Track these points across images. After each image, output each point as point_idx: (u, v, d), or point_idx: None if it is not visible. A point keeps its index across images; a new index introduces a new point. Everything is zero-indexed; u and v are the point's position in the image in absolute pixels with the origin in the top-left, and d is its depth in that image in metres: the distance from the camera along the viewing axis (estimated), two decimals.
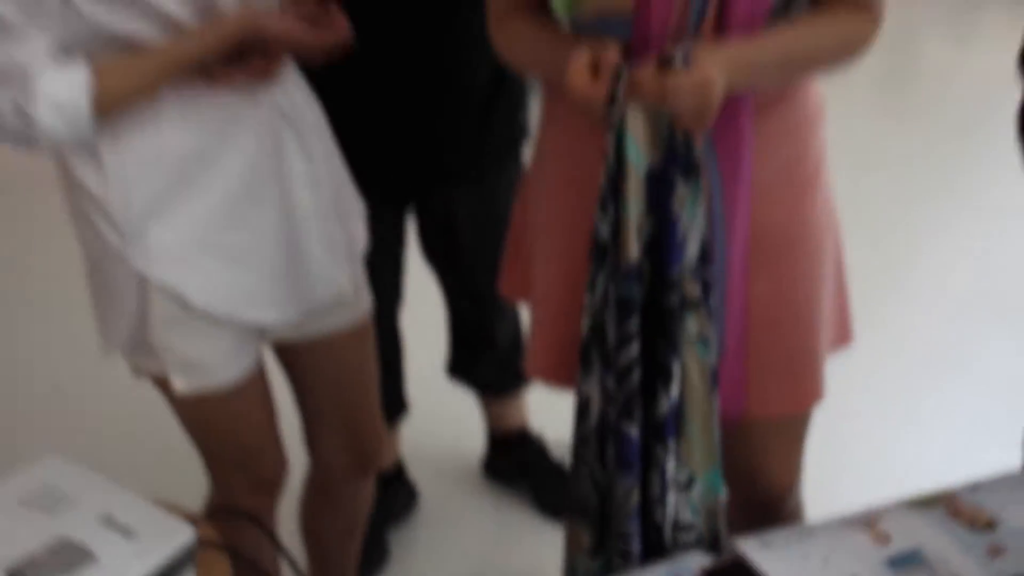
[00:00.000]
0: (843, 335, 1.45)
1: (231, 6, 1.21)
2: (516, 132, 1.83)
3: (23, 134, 1.16)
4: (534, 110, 1.66)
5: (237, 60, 1.24)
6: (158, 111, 1.22)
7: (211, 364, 1.33)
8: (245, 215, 1.30)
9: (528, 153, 1.73)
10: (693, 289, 1.21)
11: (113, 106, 1.18)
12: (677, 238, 1.19)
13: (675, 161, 1.16)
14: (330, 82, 1.46)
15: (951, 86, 4.28)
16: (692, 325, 1.22)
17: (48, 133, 1.15)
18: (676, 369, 1.23)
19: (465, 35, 1.63)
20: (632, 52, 1.16)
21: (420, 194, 1.84)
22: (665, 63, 1.10)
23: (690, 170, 1.15)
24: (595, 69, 1.13)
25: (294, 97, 1.35)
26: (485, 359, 2.10)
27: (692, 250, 1.19)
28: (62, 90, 1.14)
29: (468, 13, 1.55)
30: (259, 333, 1.40)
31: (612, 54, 1.13)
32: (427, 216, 1.89)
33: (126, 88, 1.18)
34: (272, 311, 1.36)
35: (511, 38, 1.32)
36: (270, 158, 1.31)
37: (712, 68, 1.09)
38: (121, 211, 1.24)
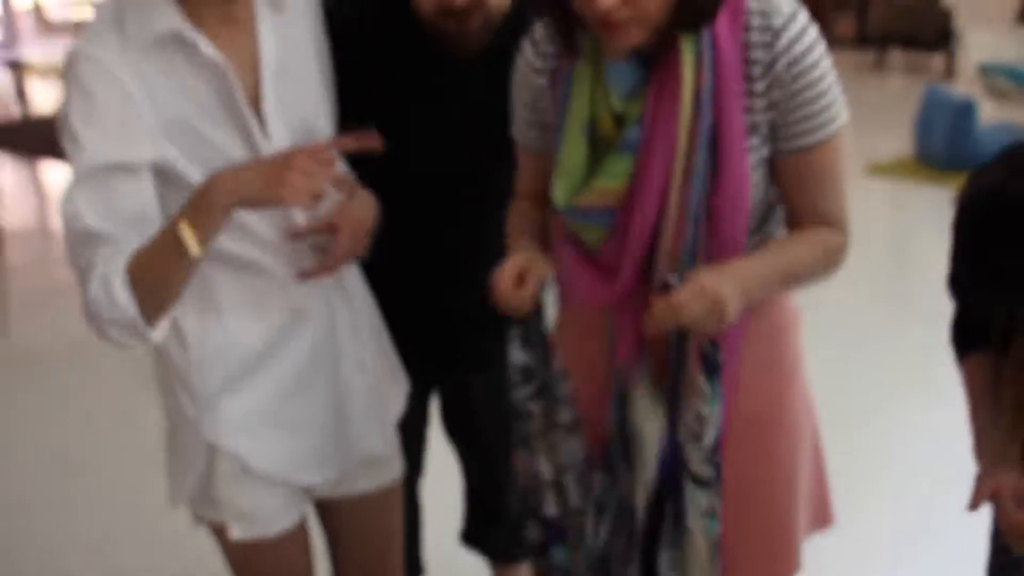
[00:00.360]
0: (824, 517, 1.55)
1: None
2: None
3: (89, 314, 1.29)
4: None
5: (320, 251, 1.43)
6: (236, 309, 1.42)
7: (265, 516, 1.50)
8: (302, 392, 1.50)
9: None
10: (706, 471, 1.31)
11: (145, 279, 1.26)
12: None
13: (703, 364, 1.26)
14: (369, 280, 1.65)
15: (938, 280, 4.49)
16: (703, 500, 1.32)
17: (95, 306, 1.27)
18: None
19: (486, 243, 1.74)
20: (614, 238, 1.32)
21: (441, 379, 1.99)
22: (665, 289, 1.25)
23: (713, 371, 1.26)
24: (521, 278, 1.33)
25: (350, 284, 1.57)
26: (497, 529, 2.19)
27: (709, 438, 1.29)
28: (108, 265, 1.27)
29: (491, 222, 1.70)
30: (305, 491, 1.58)
31: (541, 269, 1.33)
32: (448, 398, 2.04)
33: (153, 264, 1.27)
34: (319, 473, 1.54)
35: (509, 219, 1.53)
36: (327, 342, 1.51)
37: (706, 276, 1.22)
38: (199, 386, 1.44)
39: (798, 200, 1.35)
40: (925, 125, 6.30)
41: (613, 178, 1.30)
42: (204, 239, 1.26)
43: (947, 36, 9.46)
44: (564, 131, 1.34)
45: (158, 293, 1.29)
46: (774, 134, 1.30)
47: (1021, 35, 8.87)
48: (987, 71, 7.42)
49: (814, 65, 1.27)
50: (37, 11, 12.69)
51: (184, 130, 1.32)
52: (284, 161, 1.25)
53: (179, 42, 1.31)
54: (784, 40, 1.25)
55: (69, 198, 1.29)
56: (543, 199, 1.45)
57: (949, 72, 9.54)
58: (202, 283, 1.41)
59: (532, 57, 1.42)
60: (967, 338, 1.47)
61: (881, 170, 6.32)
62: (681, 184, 1.28)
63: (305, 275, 1.43)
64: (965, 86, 8.15)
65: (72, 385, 3.80)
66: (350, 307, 1.56)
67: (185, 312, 1.42)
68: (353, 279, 1.60)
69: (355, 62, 1.60)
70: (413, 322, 1.80)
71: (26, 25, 12.14)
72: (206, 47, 1.32)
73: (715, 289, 1.21)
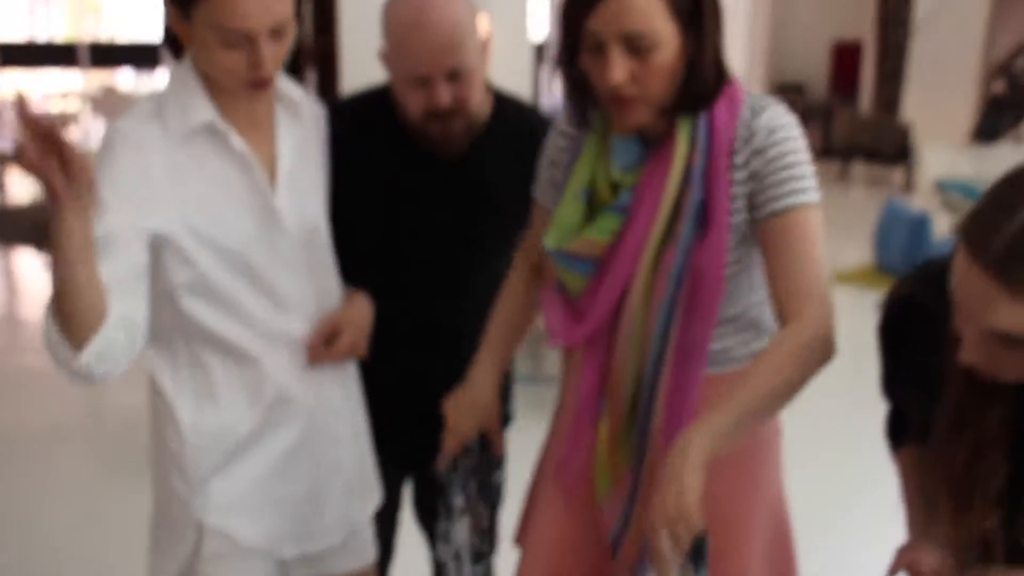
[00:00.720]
0: None
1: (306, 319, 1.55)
2: (501, 419, 2.06)
3: None
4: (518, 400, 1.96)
5: (331, 341, 1.55)
6: (229, 394, 1.51)
7: None
8: (289, 473, 1.57)
9: (510, 435, 2.03)
10: None
11: (54, 307, 1.31)
12: None
13: (691, 552, 1.24)
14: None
15: None
16: None
17: (44, 339, 1.34)
18: None
19: (466, 336, 1.84)
20: (592, 286, 1.46)
21: (416, 467, 2.06)
22: None
23: (700, 560, 1.25)
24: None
25: (341, 376, 1.66)
26: None
27: None
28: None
29: (471, 317, 1.82)
30: (283, 572, 1.63)
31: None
32: (421, 487, 2.11)
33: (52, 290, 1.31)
34: (298, 546, 1.61)
35: (497, 303, 1.69)
36: (314, 427, 1.59)
37: (650, 511, 1.25)
38: (192, 468, 1.51)
39: (774, 270, 1.39)
40: (884, 236, 6.54)
41: (601, 232, 1.45)
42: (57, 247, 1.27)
43: (906, 151, 9.84)
44: (566, 189, 1.51)
45: (64, 309, 1.31)
46: (752, 202, 1.42)
47: (975, 153, 9.24)
48: (943, 187, 7.72)
49: (788, 139, 1.42)
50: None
51: (200, 211, 1.45)
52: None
53: (212, 133, 1.46)
54: (764, 118, 1.42)
55: None
56: (535, 264, 1.64)
57: (908, 185, 9.89)
58: (199, 369, 1.50)
59: (563, 125, 1.59)
60: (899, 431, 1.57)
61: (845, 278, 6.51)
62: (661, 248, 1.41)
63: (311, 361, 1.57)
64: (923, 199, 8.46)
65: (40, 471, 3.80)
66: (338, 395, 1.65)
67: (181, 397, 1.50)
68: (345, 372, 1.68)
69: (351, 166, 1.73)
70: (393, 411, 1.88)
71: (7, 117, 12.30)
72: (236, 140, 1.46)
73: (658, 518, 1.22)
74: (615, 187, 1.47)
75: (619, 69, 1.35)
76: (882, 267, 6.59)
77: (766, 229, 1.41)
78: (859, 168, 10.76)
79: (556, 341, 1.54)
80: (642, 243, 1.42)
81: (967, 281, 1.09)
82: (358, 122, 1.80)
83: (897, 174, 10.39)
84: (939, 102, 10.47)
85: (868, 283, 6.45)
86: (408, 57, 1.62)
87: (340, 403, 1.65)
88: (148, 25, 13.06)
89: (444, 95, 1.63)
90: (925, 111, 10.32)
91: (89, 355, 1.32)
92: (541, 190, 1.65)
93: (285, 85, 1.57)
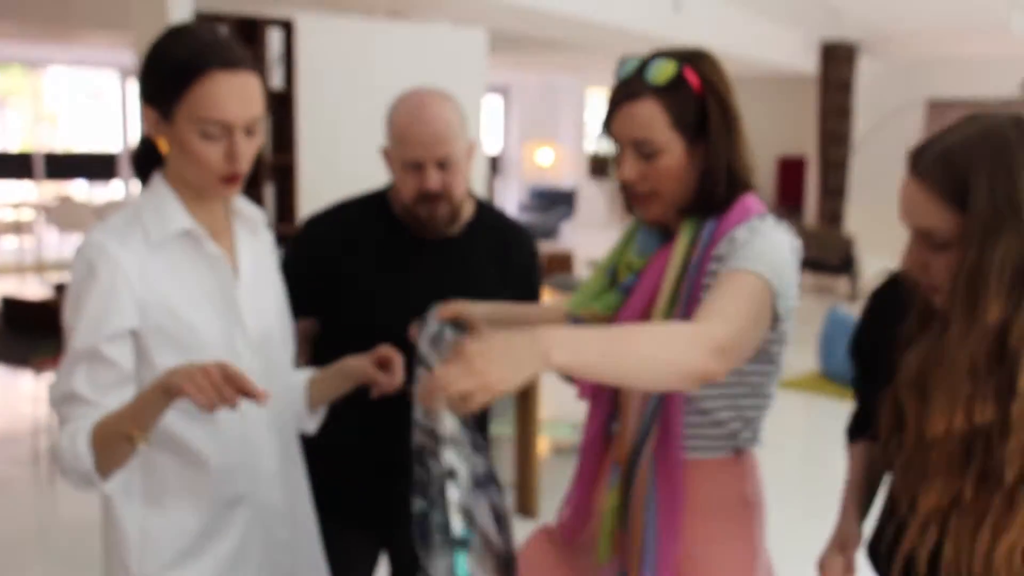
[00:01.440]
0: None
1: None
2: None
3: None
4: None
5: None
6: (177, 495, 1.54)
7: None
8: (237, 571, 1.59)
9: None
10: None
11: (102, 444, 1.41)
12: None
13: None
14: (329, 439, 1.85)
15: (840, 480, 4.65)
16: None
17: (62, 454, 1.43)
18: None
19: None
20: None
21: (392, 535, 2.13)
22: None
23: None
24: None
25: (286, 470, 1.69)
26: None
27: None
28: (81, 422, 1.45)
29: None
30: None
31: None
32: (397, 557, 2.17)
33: (108, 438, 1.41)
34: None
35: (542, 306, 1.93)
36: (260, 525, 1.62)
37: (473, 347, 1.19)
38: (136, 569, 1.54)
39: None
40: (828, 343, 6.71)
41: (605, 307, 1.65)
42: (144, 430, 1.41)
43: (850, 262, 10.15)
44: (597, 265, 1.72)
45: (111, 458, 1.44)
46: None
47: None
48: None
49: (765, 235, 1.51)
50: None
51: (167, 314, 1.51)
52: (205, 370, 1.34)
53: (188, 239, 1.55)
54: (756, 223, 1.54)
55: (69, 368, 1.47)
56: None
57: (853, 294, 10.16)
58: (149, 471, 1.54)
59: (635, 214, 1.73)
60: (858, 427, 1.72)
61: (793, 384, 6.64)
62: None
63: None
64: None
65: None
66: (282, 498, 1.68)
67: (129, 500, 1.53)
68: (292, 473, 1.72)
69: (350, 250, 2.00)
70: (363, 487, 2.00)
71: None
72: (210, 244, 1.57)
73: (458, 377, 1.18)
74: (629, 268, 1.65)
75: (628, 169, 1.56)
76: (827, 373, 6.73)
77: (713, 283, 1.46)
78: (805, 278, 11.05)
79: (580, 391, 1.71)
80: (634, 321, 1.57)
81: (905, 193, 1.31)
82: (357, 212, 2.09)
83: (842, 283, 10.68)
84: (880, 216, 10.83)
85: (813, 389, 6.58)
86: (406, 146, 1.93)
87: (283, 506, 1.68)
88: (103, 137, 13.20)
89: (434, 179, 1.92)
90: (867, 224, 10.69)
91: (114, 482, 1.46)
92: None
93: (242, 203, 1.67)
